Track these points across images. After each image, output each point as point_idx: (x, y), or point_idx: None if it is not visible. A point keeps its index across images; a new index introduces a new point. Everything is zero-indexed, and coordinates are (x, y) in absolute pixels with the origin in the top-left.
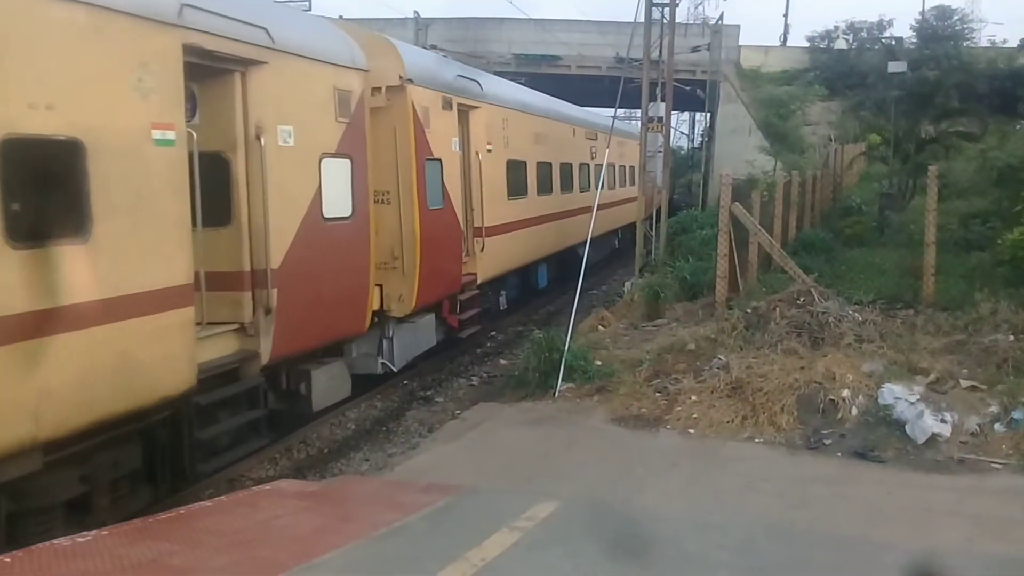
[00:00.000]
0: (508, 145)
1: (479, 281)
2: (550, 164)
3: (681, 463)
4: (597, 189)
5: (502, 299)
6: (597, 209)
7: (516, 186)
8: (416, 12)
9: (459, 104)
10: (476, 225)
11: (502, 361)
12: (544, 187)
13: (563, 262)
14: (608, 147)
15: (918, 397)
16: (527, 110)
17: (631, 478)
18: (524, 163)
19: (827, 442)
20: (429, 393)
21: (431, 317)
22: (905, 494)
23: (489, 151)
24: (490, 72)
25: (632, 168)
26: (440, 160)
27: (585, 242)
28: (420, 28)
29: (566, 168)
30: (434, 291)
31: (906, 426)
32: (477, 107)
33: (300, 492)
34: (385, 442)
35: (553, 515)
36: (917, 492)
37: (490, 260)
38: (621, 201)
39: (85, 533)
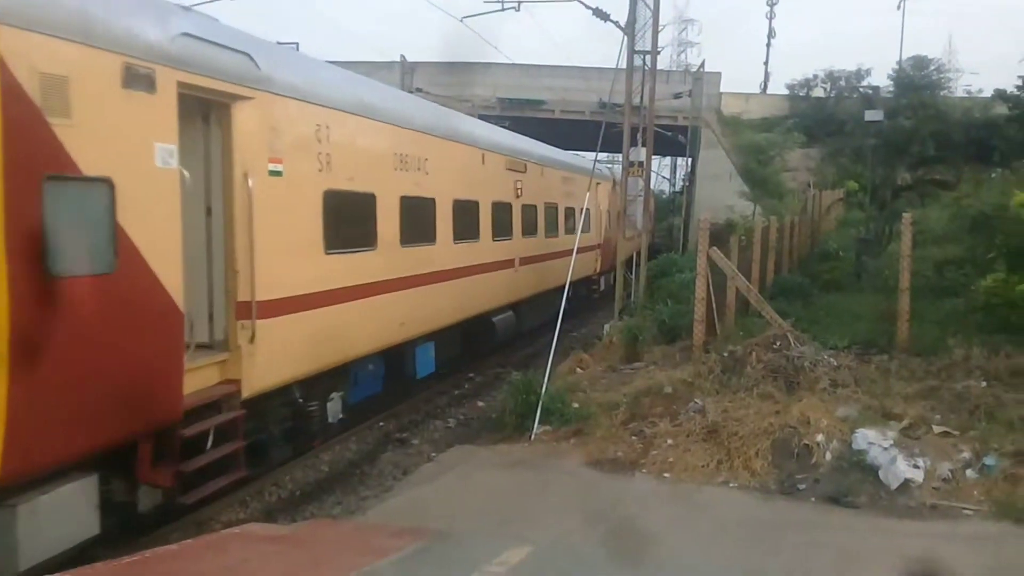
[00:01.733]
0: (330, 166)
1: (246, 394)
2: (433, 200)
3: (656, 507)
4: (551, 233)
5: (332, 408)
6: (526, 261)
7: (351, 232)
8: (402, 56)
9: (186, 84)
10: (242, 299)
11: (479, 403)
12: (419, 233)
13: (473, 334)
14: (557, 184)
15: (891, 442)
16: (377, 116)
17: (605, 522)
18: (371, 196)
19: (801, 487)
20: (405, 435)
21: (78, 488)
22: (878, 540)
23: (277, 174)
24: (474, 116)
25: (585, 211)
26: (110, 181)
27: (508, 306)
28: (406, 72)
29: (467, 207)
30: (74, 432)
31: (879, 471)
32: (247, 98)
33: (270, 536)
34: (359, 485)
35: (525, 560)
36: (890, 538)
37: (279, 355)
38: (561, 253)
39: None
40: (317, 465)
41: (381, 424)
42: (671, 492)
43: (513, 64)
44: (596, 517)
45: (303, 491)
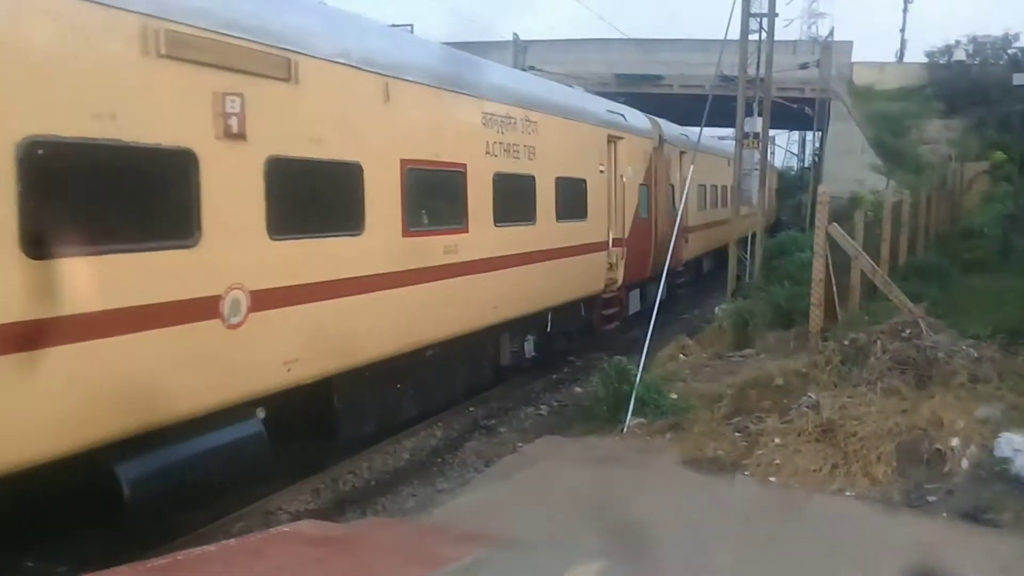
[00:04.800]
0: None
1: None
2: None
3: (757, 519)
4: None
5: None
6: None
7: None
8: (515, 34)
9: None
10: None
11: (576, 389)
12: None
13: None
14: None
15: None
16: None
17: (697, 535)
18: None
19: (931, 499)
20: (493, 423)
21: None
22: None
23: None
24: (591, 91)
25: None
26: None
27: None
28: (519, 50)
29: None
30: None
31: None
32: None
33: (320, 536)
34: (438, 476)
35: None
36: None
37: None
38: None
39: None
40: (399, 452)
41: (471, 409)
42: (776, 500)
43: (628, 39)
44: (686, 529)
45: (379, 480)
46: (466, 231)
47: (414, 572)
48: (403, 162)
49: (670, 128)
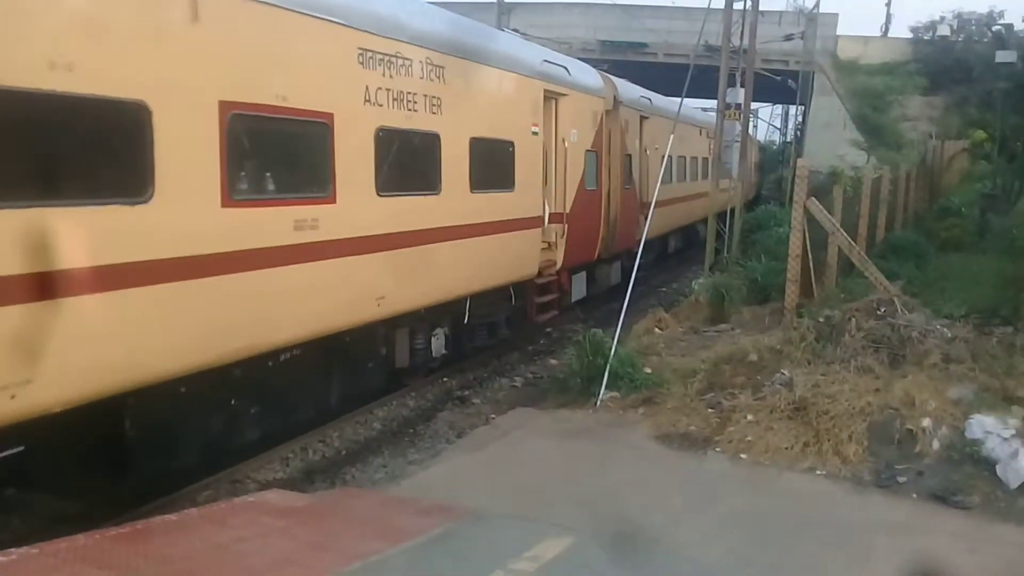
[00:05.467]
0: None
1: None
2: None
3: (727, 495)
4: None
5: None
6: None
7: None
8: None
9: None
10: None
11: (552, 361)
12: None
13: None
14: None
15: (1013, 432)
16: None
17: (666, 510)
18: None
19: (901, 479)
20: (467, 393)
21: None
22: (992, 551)
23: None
24: (574, 58)
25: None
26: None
27: None
28: (503, 12)
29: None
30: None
31: (997, 467)
32: None
33: (286, 507)
34: (409, 446)
35: (561, 555)
36: (1007, 550)
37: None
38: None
39: (9, 551)
40: (370, 422)
41: (444, 379)
42: (746, 477)
43: (614, 4)
44: (654, 503)
45: (349, 450)
46: (332, 201)
47: (378, 547)
48: (224, 105)
49: (628, 89)
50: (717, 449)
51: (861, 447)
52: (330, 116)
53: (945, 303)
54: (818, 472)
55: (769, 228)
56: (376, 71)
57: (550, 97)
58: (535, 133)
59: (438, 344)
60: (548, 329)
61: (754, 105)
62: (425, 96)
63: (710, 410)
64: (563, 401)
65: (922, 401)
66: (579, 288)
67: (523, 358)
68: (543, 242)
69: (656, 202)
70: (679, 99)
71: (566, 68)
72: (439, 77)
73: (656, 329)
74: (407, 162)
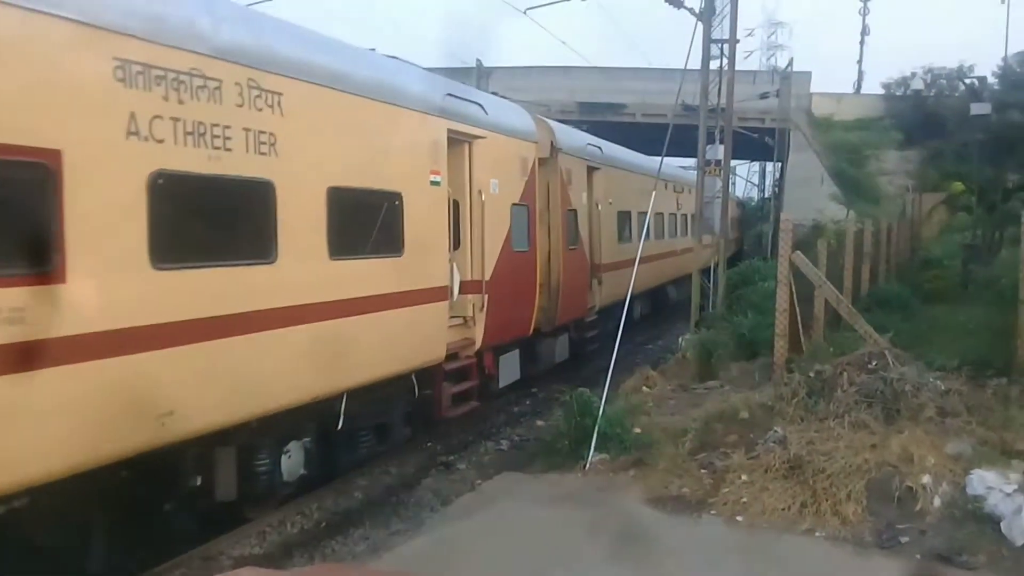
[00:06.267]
0: None
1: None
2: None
3: (724, 561)
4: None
5: None
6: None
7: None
8: (478, 60)
9: None
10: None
11: (538, 422)
12: None
13: None
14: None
15: (1016, 487)
16: None
17: None
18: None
19: (903, 540)
20: (452, 458)
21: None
22: None
23: None
24: (554, 120)
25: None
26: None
27: None
28: (482, 75)
29: None
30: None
31: (1001, 523)
32: None
33: None
34: (392, 516)
35: None
36: None
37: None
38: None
39: None
40: (350, 491)
41: (428, 444)
42: (744, 541)
43: (592, 67)
44: (648, 573)
45: (330, 522)
46: (60, 280)
47: None
48: None
49: (570, 135)
50: (712, 512)
51: (860, 506)
52: (54, 154)
53: (936, 355)
54: (817, 534)
55: (754, 283)
56: (152, 92)
57: (460, 140)
58: (435, 183)
59: (292, 463)
60: (533, 390)
61: (732, 162)
62: (247, 130)
63: (703, 471)
64: (551, 464)
65: (920, 457)
66: (510, 371)
67: (509, 420)
68: (455, 317)
69: (612, 263)
70: (659, 157)
71: (481, 105)
72: (272, 106)
73: (644, 387)
74: (213, 219)
